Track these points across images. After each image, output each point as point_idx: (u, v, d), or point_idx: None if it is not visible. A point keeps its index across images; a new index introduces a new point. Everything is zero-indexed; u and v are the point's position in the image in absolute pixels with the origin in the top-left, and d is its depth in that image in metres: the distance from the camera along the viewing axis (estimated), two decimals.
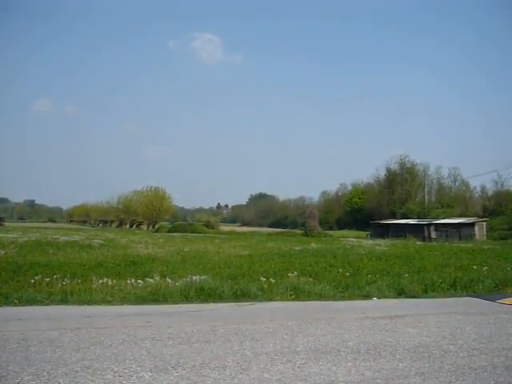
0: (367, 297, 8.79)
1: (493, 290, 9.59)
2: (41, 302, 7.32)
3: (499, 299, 8.62)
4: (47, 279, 8.54)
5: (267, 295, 8.37)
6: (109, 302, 7.56)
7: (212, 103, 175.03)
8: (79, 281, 8.81)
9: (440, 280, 10.06)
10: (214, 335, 5.29)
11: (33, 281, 8.53)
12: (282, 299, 8.26)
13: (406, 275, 10.78)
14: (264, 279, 9.27)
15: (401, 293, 9.21)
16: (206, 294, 8.11)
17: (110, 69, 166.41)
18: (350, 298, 8.72)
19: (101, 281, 8.67)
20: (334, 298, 8.61)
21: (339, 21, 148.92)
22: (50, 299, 7.48)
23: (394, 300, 8.73)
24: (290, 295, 8.49)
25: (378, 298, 8.78)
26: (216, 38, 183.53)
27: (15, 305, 7.16)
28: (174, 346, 4.74)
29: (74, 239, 22.79)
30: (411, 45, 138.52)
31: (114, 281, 8.84)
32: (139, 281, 8.82)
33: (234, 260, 14.27)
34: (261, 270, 11.32)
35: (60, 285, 8.33)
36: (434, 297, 9.07)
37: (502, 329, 6.05)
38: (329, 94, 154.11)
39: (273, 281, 9.22)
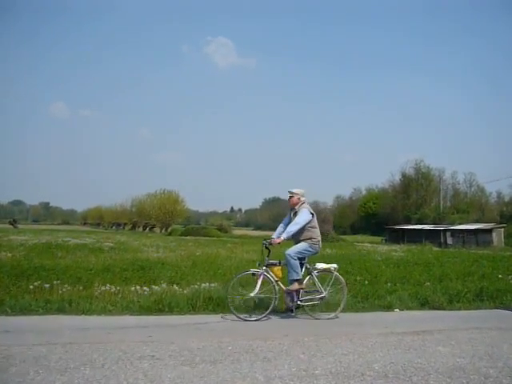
0: (389, 308, 8.15)
1: None
2: (36, 311, 6.74)
3: None
4: (47, 285, 7.99)
5: (280, 305, 7.76)
6: (109, 312, 7.02)
7: (226, 107, 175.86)
8: (81, 287, 8.28)
9: (465, 290, 9.36)
10: (222, 354, 4.70)
11: (31, 287, 7.99)
12: None
13: (428, 284, 10.10)
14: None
15: (424, 303, 8.55)
16: (214, 304, 7.53)
17: (124, 73, 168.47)
18: (371, 308, 8.10)
19: (103, 287, 8.14)
20: (353, 308, 7.98)
21: (354, 24, 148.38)
22: (45, 308, 6.91)
23: (418, 312, 8.08)
24: None
25: (401, 309, 8.14)
26: (230, 42, 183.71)
27: (7, 314, 6.60)
28: (175, 367, 4.17)
29: (85, 242, 22.44)
30: (424, 50, 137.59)
31: (118, 287, 8.30)
32: (145, 288, 8.29)
33: (247, 265, 13.68)
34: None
35: (60, 291, 7.79)
36: (459, 308, 8.40)
37: None
38: (343, 99, 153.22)
39: None
